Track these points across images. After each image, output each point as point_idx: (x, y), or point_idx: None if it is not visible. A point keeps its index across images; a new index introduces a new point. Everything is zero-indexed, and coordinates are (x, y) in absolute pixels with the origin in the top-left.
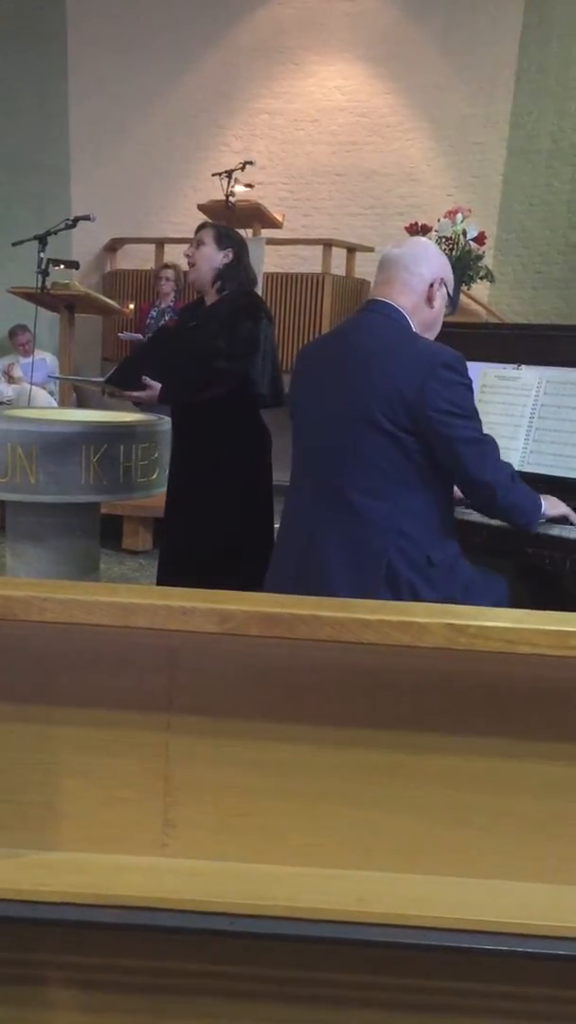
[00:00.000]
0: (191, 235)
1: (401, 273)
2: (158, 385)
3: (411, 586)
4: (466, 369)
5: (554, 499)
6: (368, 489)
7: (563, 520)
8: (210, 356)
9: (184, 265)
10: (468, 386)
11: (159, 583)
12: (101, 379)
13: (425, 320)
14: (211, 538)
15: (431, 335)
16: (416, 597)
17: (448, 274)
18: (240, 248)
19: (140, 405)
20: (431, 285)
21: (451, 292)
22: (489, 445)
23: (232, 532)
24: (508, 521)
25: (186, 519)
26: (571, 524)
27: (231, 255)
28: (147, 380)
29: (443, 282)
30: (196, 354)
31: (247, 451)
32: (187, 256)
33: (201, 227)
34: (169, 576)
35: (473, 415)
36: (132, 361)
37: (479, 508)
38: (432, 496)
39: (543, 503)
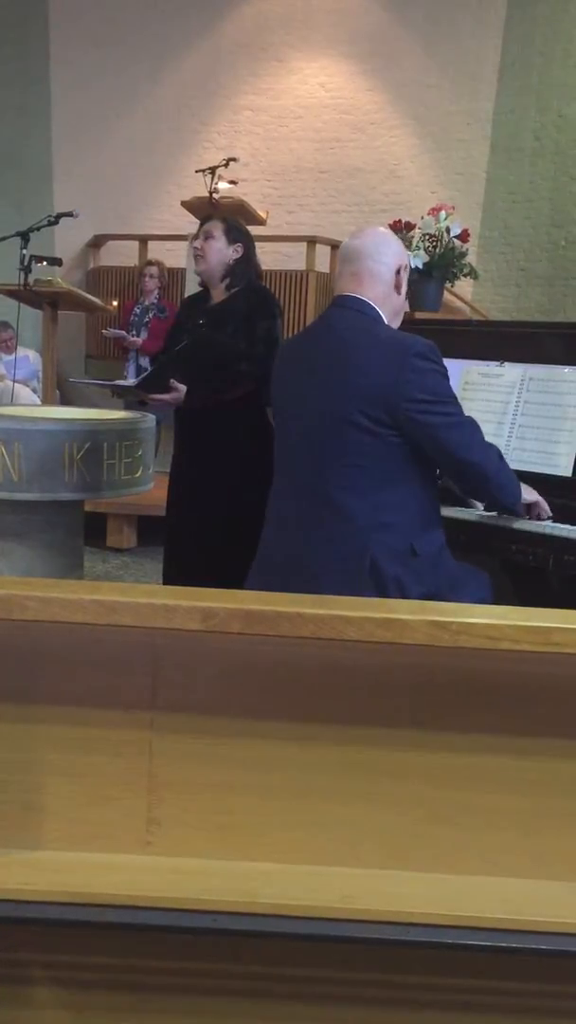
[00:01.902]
0: (175, 232)
1: (368, 263)
2: (184, 388)
3: (396, 580)
4: (439, 356)
5: (525, 485)
6: (349, 487)
7: (532, 507)
8: (234, 359)
9: (167, 262)
10: (443, 372)
11: (166, 581)
12: (131, 383)
13: (395, 308)
14: (223, 535)
15: (398, 321)
16: (401, 591)
17: (408, 259)
18: (249, 242)
19: (156, 405)
20: (397, 272)
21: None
22: (471, 426)
23: (243, 530)
24: (498, 502)
25: (196, 515)
26: (539, 509)
27: (241, 250)
28: (174, 383)
29: (405, 268)
30: (220, 358)
31: (257, 448)
32: (196, 248)
33: (208, 218)
34: (177, 573)
35: (451, 399)
36: (164, 370)
37: (471, 491)
38: (415, 487)
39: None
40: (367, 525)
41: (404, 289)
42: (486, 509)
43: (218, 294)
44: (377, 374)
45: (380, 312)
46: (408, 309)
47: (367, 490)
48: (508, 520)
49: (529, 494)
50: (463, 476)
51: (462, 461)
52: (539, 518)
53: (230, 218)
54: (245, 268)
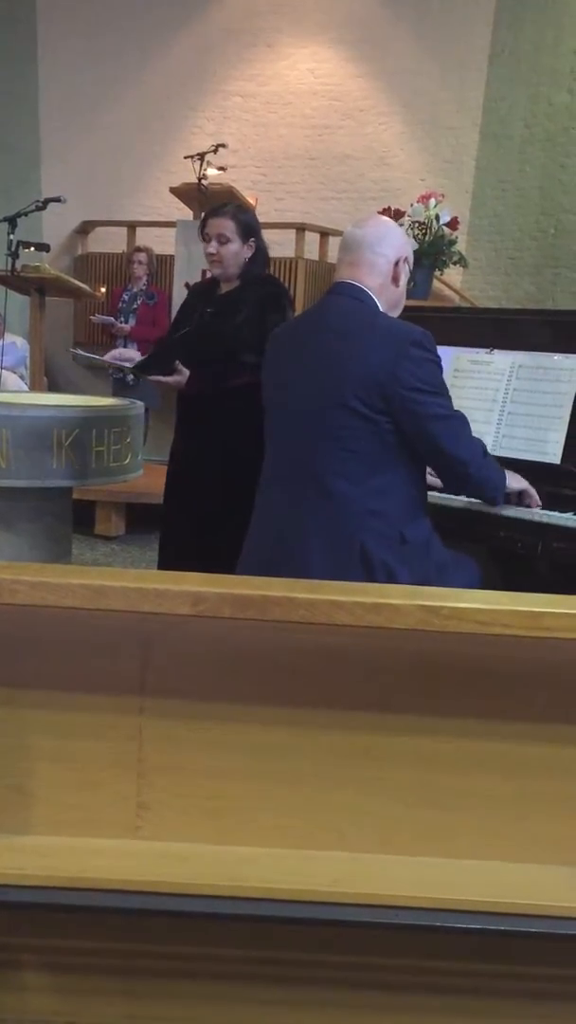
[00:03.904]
0: (163, 218)
1: (367, 254)
2: (187, 372)
3: (386, 567)
4: (434, 346)
5: (514, 473)
6: (342, 473)
7: (522, 495)
8: (239, 350)
9: (156, 248)
10: (437, 363)
11: (161, 567)
12: (129, 366)
13: (391, 299)
14: (220, 521)
15: (396, 313)
16: (391, 578)
17: (410, 251)
18: (259, 231)
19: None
20: (396, 264)
21: (411, 268)
22: (460, 420)
23: (240, 516)
24: (478, 496)
25: (193, 500)
26: (528, 498)
27: (254, 244)
28: (178, 366)
29: (406, 260)
30: (223, 347)
31: (257, 436)
32: (211, 254)
33: (215, 216)
34: (172, 559)
35: (443, 391)
36: (164, 353)
37: (450, 483)
38: (405, 474)
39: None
40: (358, 511)
41: (403, 281)
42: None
43: (228, 284)
44: (374, 361)
45: (377, 301)
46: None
47: (359, 476)
48: (495, 507)
49: (517, 483)
50: (446, 469)
51: (447, 455)
52: (528, 507)
53: (238, 211)
54: (258, 259)
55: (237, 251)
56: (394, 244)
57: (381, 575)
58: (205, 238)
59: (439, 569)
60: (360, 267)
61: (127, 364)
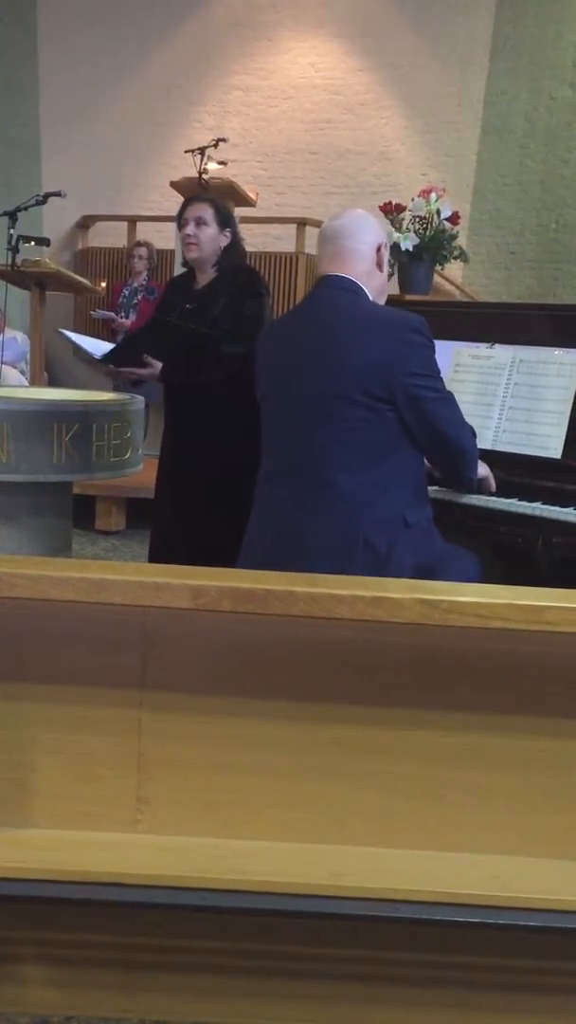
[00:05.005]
0: (164, 213)
1: (348, 243)
2: (159, 364)
3: (390, 551)
4: (429, 331)
5: (481, 461)
6: (344, 464)
7: (484, 481)
8: (215, 339)
9: (157, 243)
10: (433, 348)
11: (151, 561)
12: (97, 356)
13: (378, 286)
14: (211, 515)
15: (382, 299)
16: (396, 559)
17: (386, 238)
18: (235, 223)
19: (135, 382)
20: (377, 250)
21: (388, 254)
22: (454, 402)
23: (232, 510)
24: (463, 476)
25: (184, 495)
26: (487, 484)
27: (230, 234)
28: (148, 359)
29: (384, 245)
30: (201, 337)
31: (246, 429)
32: (188, 236)
33: (194, 201)
34: (164, 555)
35: (439, 375)
36: (132, 344)
37: (445, 464)
38: (405, 464)
39: None
40: (360, 503)
41: (386, 267)
42: (440, 484)
43: (205, 277)
44: (375, 350)
45: (365, 290)
46: (392, 289)
47: (361, 467)
48: (488, 500)
49: (482, 468)
50: (442, 449)
51: (445, 435)
52: (487, 491)
53: (218, 201)
54: (233, 251)
55: (214, 236)
56: (373, 231)
57: (386, 559)
58: (183, 224)
59: (441, 557)
60: (344, 258)
61: (96, 355)
